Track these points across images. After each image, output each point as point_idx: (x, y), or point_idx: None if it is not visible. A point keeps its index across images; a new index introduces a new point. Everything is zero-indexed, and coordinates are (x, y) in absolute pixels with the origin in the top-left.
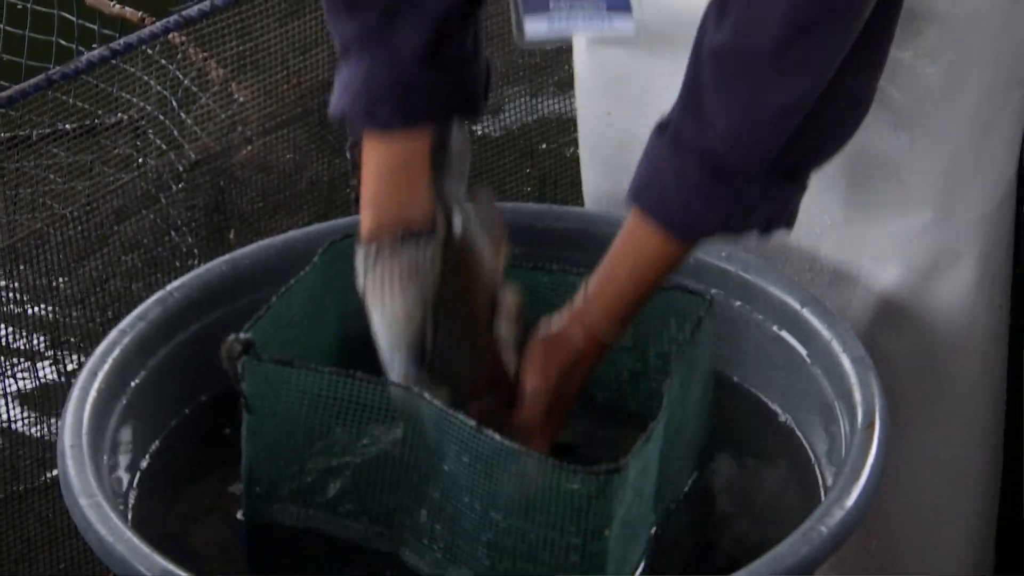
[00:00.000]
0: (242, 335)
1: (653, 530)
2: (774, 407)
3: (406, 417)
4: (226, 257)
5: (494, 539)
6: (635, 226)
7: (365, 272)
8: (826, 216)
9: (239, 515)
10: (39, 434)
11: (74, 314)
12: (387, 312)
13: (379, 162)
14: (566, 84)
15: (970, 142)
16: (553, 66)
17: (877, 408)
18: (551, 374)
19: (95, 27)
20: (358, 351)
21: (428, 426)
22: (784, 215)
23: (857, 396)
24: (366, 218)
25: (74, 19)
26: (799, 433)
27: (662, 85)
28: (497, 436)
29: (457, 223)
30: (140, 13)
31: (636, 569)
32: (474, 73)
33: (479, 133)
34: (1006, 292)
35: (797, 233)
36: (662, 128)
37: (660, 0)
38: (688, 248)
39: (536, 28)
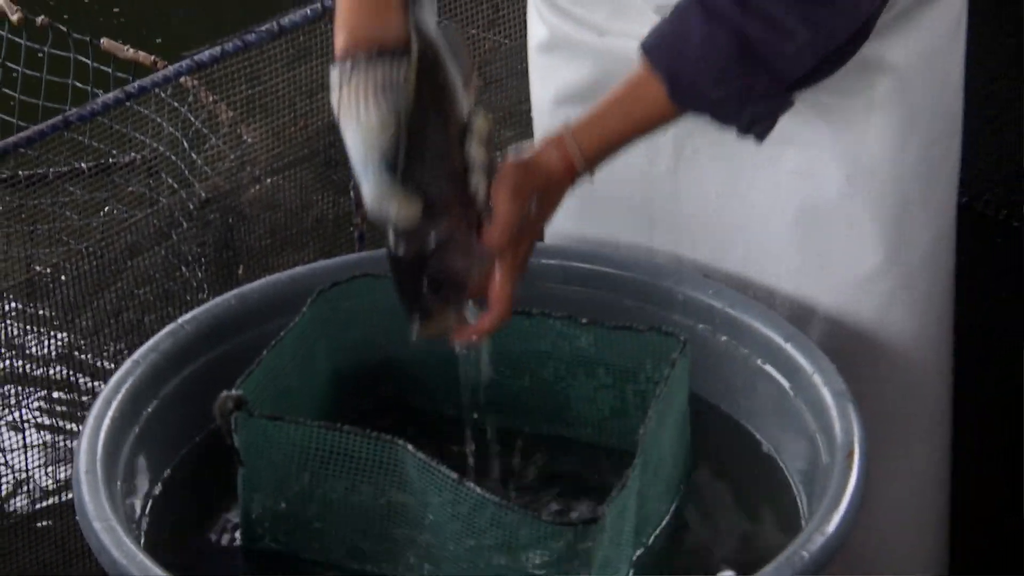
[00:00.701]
0: (234, 391)
1: (632, 563)
2: (758, 437)
3: (392, 466)
4: (235, 291)
5: None
6: (638, 76)
7: (340, 87)
8: (783, 262)
9: (239, 543)
10: (55, 460)
11: (89, 345)
12: (361, 122)
13: None
14: None
15: (916, 189)
16: None
17: (856, 439)
18: (524, 194)
19: (110, 71)
20: (349, 395)
21: (412, 475)
22: (767, 121)
23: (837, 428)
24: (340, 38)
25: (89, 63)
26: (781, 463)
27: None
28: (478, 489)
29: (429, 47)
30: (153, 57)
31: None
32: None
33: None
34: (951, 320)
35: (757, 276)
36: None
37: (621, 48)
38: (679, 114)
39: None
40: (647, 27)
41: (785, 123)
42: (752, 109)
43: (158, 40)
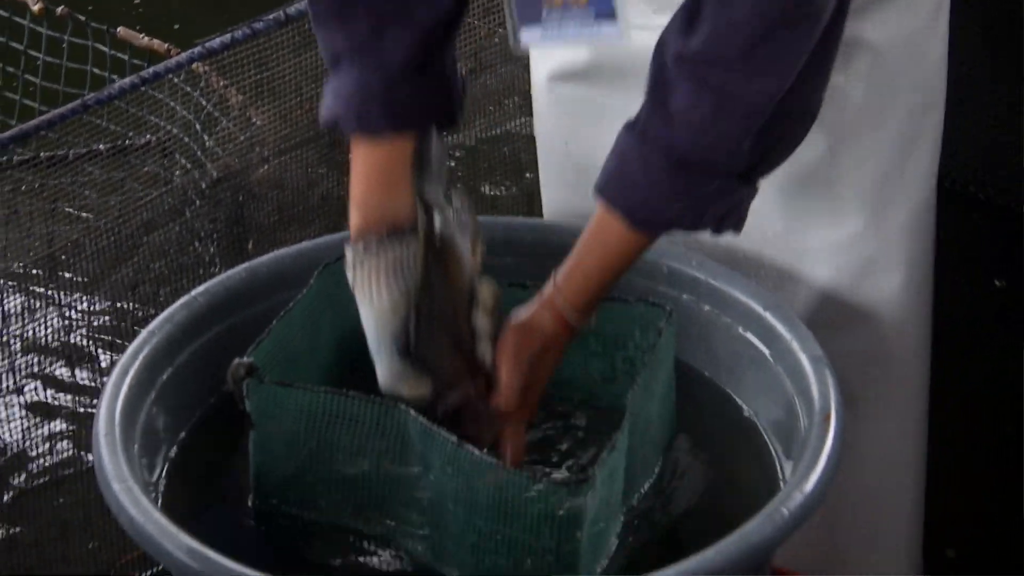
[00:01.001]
0: (245, 359)
1: (622, 522)
2: (740, 401)
3: (394, 430)
4: (245, 265)
5: (477, 542)
6: (601, 218)
7: (354, 269)
8: (768, 227)
9: (251, 504)
10: (76, 425)
11: (107, 316)
12: (374, 305)
13: (366, 164)
14: None
15: (895, 158)
16: None
17: (833, 403)
18: (523, 359)
19: (126, 58)
20: (354, 363)
21: (414, 439)
22: (735, 215)
23: (815, 392)
24: (354, 218)
25: (107, 50)
26: (761, 426)
27: (615, 116)
28: (476, 451)
29: (437, 222)
30: (167, 45)
31: (607, 558)
32: (452, 87)
33: (471, 160)
34: (930, 293)
35: (743, 241)
36: (631, 126)
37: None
38: (648, 239)
39: (530, 36)
40: (639, 15)
41: None
42: (713, 211)
43: (176, 26)
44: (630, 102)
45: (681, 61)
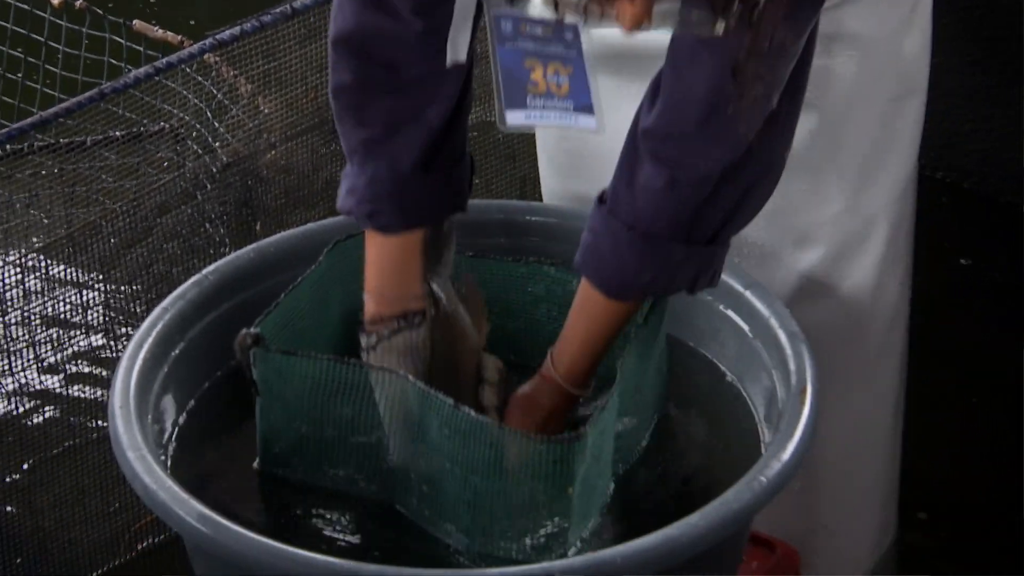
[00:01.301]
0: (252, 329)
1: (612, 483)
2: (723, 368)
3: (394, 396)
4: (253, 246)
5: (473, 499)
6: (583, 291)
7: (368, 353)
8: None
9: (255, 465)
10: (92, 396)
11: (123, 294)
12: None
13: (379, 256)
14: None
15: (876, 143)
16: None
17: (809, 376)
18: (528, 427)
19: (141, 49)
20: (358, 337)
21: (413, 403)
22: (708, 274)
23: (792, 365)
24: (369, 305)
25: (123, 42)
26: (744, 392)
27: (606, 103)
28: (472, 412)
29: (444, 307)
30: (180, 37)
31: (597, 519)
32: (461, 171)
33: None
34: (908, 270)
35: None
36: (600, 202)
37: (603, 30)
38: (628, 306)
39: (515, 119)
40: None
41: None
42: (683, 276)
43: (192, 22)
44: (623, 94)
45: (644, 136)
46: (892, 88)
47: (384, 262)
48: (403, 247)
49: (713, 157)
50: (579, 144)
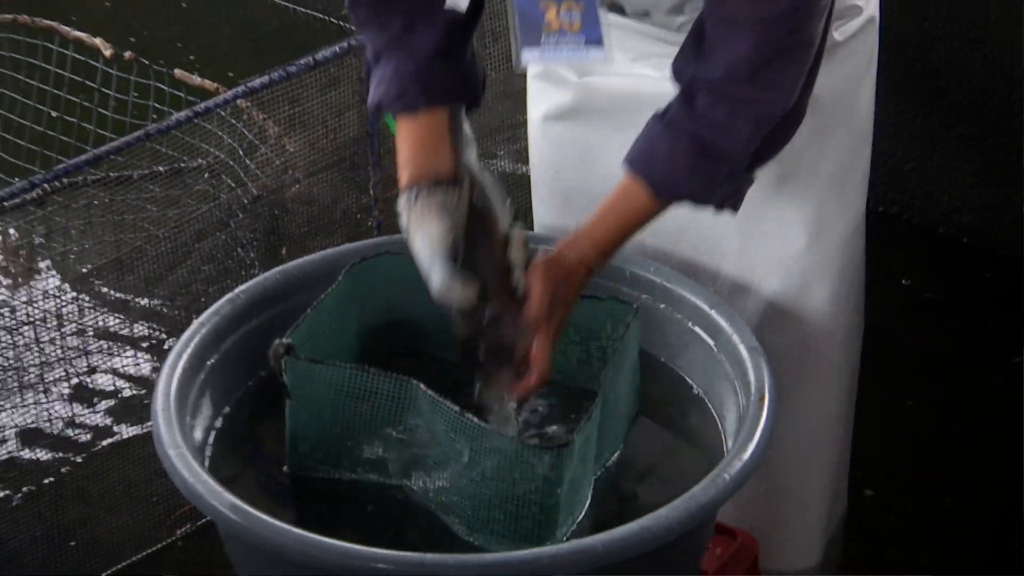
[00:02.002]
0: (284, 340)
1: (594, 482)
2: (690, 381)
3: (407, 400)
4: (279, 268)
5: (475, 495)
6: (626, 185)
7: (408, 209)
8: (726, 244)
9: (284, 468)
10: (138, 400)
11: (164, 309)
12: (427, 233)
13: (409, 134)
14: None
15: (832, 187)
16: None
17: (767, 386)
18: (550, 279)
19: (182, 94)
20: (373, 345)
21: (423, 407)
22: (736, 197)
23: (751, 376)
24: (403, 174)
25: (166, 88)
26: (708, 402)
27: (598, 150)
28: (475, 419)
29: (476, 178)
30: (215, 84)
31: (581, 512)
32: (474, 73)
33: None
34: (861, 296)
35: (703, 256)
36: (659, 118)
37: (597, 83)
38: (664, 206)
39: (530, 56)
40: (622, 70)
41: None
42: (721, 191)
43: (231, 74)
44: (611, 136)
45: (699, 81)
46: (846, 142)
47: (415, 139)
48: (430, 125)
49: (769, 99)
50: (570, 184)
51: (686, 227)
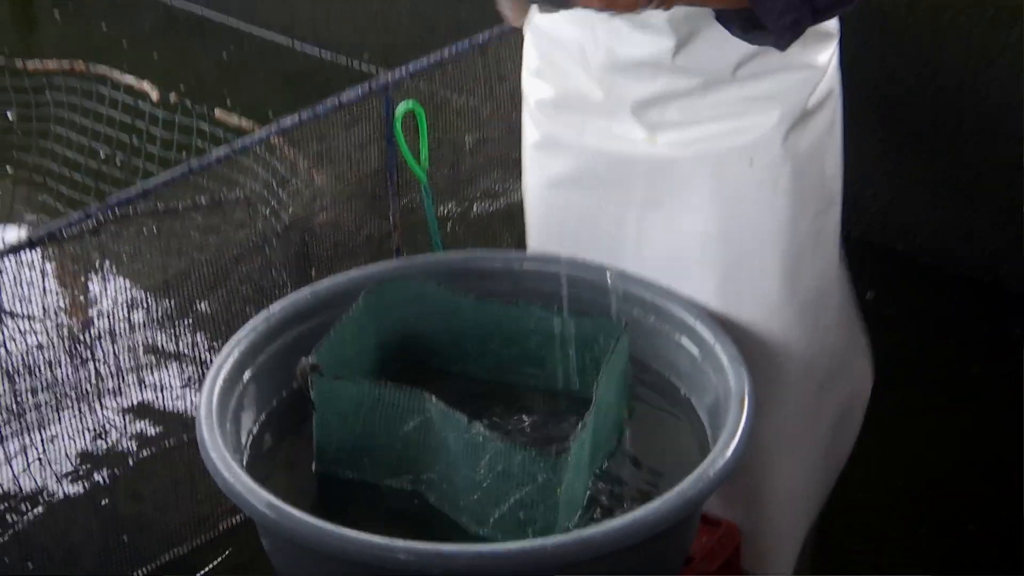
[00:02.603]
0: (310, 359)
1: (590, 481)
2: (678, 385)
3: (420, 412)
4: (309, 287)
5: (481, 496)
6: None
7: None
8: (705, 297)
9: (313, 468)
10: (183, 408)
11: (207, 326)
12: None
13: None
14: None
15: (807, 242)
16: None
17: (746, 391)
18: None
19: (221, 132)
20: (390, 360)
21: (435, 418)
22: (790, 35)
23: (732, 382)
24: None
25: (207, 127)
26: (694, 405)
27: (597, 215)
28: (483, 428)
29: None
30: (252, 122)
31: (579, 510)
32: None
33: (477, 211)
34: (839, 332)
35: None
36: None
37: (594, 149)
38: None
39: None
40: (619, 126)
41: (716, 207)
42: (790, 17)
43: (269, 112)
44: (605, 206)
45: None
46: (818, 199)
47: None
48: None
49: None
50: (569, 250)
51: (681, 284)
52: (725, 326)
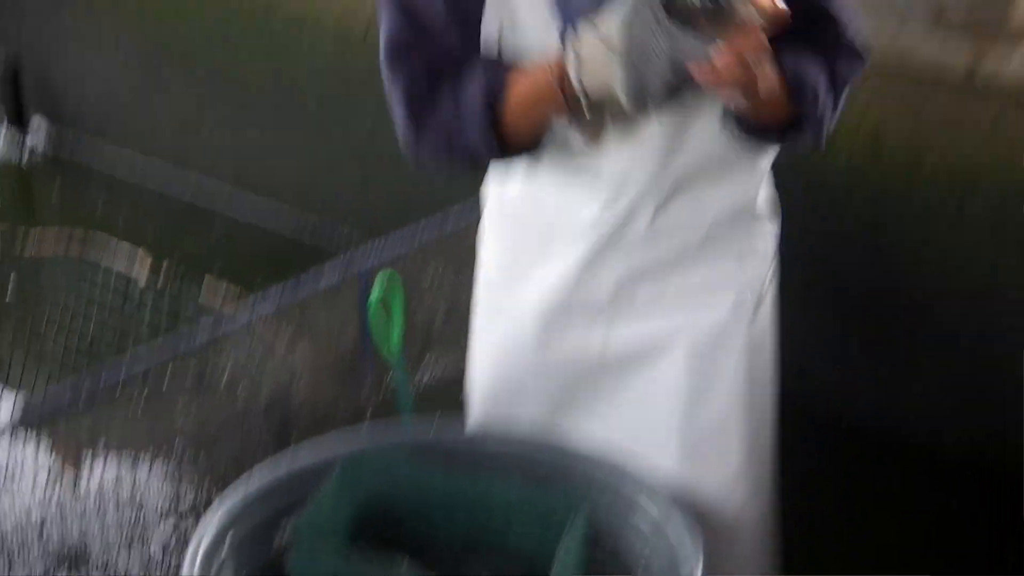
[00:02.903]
0: (287, 533)
1: None
2: (635, 558)
3: None
4: (286, 455)
5: None
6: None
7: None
8: (672, 478)
9: None
10: (174, 561)
11: (195, 488)
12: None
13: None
14: None
15: (761, 425)
16: None
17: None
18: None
19: (211, 317)
20: (364, 530)
21: None
22: (821, 135)
23: (686, 556)
24: (527, 77)
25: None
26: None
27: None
28: None
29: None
30: (238, 291)
31: None
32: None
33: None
34: (770, 493)
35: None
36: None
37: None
38: (786, 113)
39: None
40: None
41: (684, 391)
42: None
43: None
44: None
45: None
46: (764, 391)
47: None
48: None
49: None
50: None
51: (646, 457)
52: (680, 502)
